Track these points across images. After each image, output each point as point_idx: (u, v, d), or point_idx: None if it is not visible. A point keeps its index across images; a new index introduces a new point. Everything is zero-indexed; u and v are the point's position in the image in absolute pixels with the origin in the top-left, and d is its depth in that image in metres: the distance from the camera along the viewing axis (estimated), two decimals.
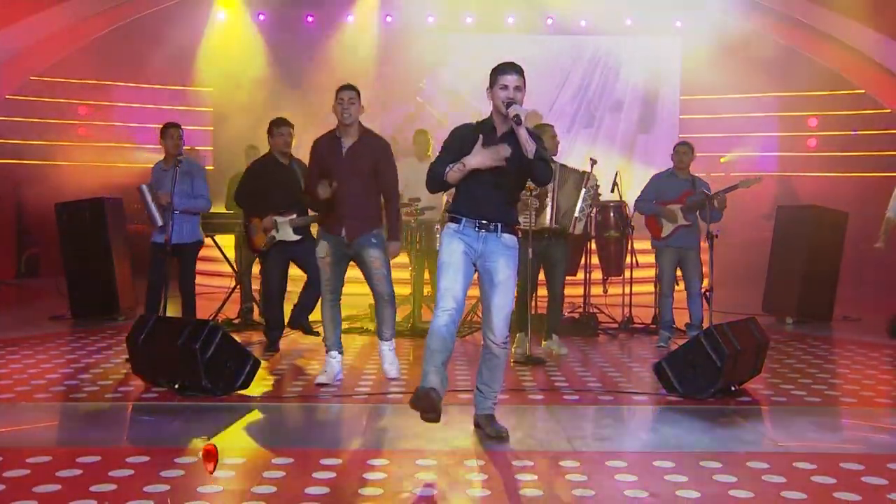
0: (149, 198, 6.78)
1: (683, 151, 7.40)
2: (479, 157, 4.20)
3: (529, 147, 4.13)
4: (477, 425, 4.50)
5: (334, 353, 5.74)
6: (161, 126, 7.01)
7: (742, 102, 13.74)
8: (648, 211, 7.42)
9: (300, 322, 7.22)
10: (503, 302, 4.32)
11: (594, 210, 8.00)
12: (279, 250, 6.80)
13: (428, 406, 4.05)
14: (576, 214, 6.65)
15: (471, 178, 4.24)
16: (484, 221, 4.29)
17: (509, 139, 4.23)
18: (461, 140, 4.30)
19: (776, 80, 13.35)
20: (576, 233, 6.73)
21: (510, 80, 4.23)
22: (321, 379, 5.67)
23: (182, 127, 7.02)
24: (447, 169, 4.25)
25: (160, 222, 6.75)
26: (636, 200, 7.57)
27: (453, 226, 4.35)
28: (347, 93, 5.57)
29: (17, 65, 11.99)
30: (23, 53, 11.78)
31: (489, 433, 4.38)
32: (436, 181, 4.33)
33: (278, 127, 6.87)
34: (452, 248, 4.30)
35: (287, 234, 6.74)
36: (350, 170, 5.57)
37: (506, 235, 4.33)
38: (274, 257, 6.84)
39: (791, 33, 12.76)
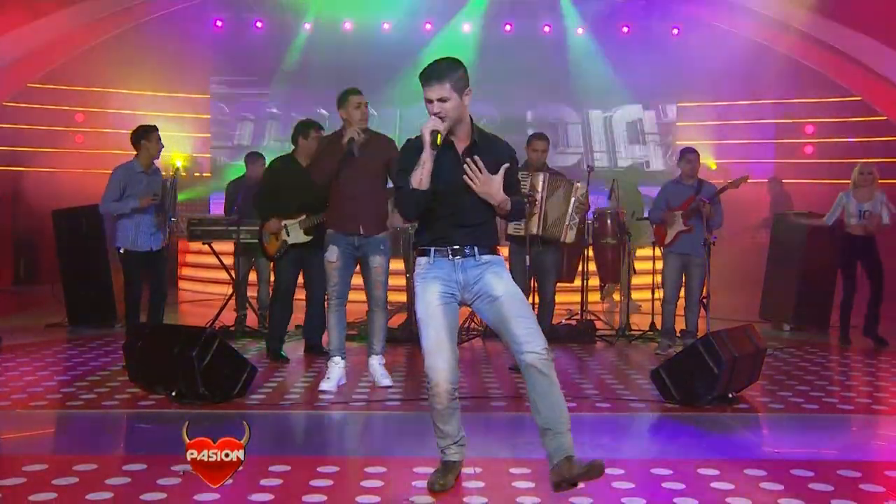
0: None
1: (692, 158, 7.44)
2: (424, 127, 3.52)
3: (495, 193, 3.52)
4: (558, 485, 3.48)
5: (337, 358, 5.75)
6: (141, 127, 7.02)
7: (738, 109, 13.77)
8: (655, 219, 7.57)
9: (313, 344, 7.12)
10: (518, 310, 3.57)
11: (593, 217, 8.00)
12: (293, 256, 6.70)
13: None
14: (566, 222, 6.57)
15: (434, 199, 3.61)
16: (456, 247, 3.65)
17: (473, 152, 3.60)
18: (417, 153, 3.57)
19: (773, 87, 13.38)
20: (567, 241, 6.64)
21: (431, 92, 3.52)
22: (325, 385, 5.66)
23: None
24: (410, 181, 3.56)
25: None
26: (649, 210, 7.62)
27: (423, 261, 3.69)
28: (362, 97, 5.72)
29: (14, 72, 11.99)
30: (20, 61, 11.78)
31: (578, 473, 3.41)
32: (408, 198, 3.58)
33: (315, 130, 6.79)
34: (428, 298, 3.62)
35: (298, 236, 6.58)
36: (363, 168, 5.66)
37: (485, 256, 3.67)
38: (286, 263, 6.73)
39: (789, 42, 12.78)
